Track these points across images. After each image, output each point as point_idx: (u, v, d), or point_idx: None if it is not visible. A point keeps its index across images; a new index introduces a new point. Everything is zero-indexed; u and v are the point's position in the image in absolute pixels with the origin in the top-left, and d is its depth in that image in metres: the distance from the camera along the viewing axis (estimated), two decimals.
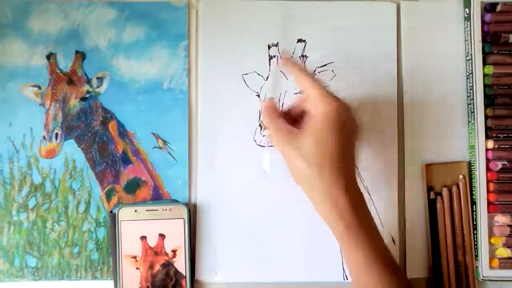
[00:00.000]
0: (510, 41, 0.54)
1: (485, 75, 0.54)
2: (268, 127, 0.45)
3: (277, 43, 0.56)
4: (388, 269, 0.41)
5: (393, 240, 0.54)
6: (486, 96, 0.54)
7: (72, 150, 0.54)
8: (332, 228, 0.42)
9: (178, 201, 0.54)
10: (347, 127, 0.42)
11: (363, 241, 0.41)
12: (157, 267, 0.52)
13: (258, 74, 0.55)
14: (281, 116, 0.46)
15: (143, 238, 0.52)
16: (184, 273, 0.52)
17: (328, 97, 0.42)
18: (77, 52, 0.55)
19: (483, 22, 0.54)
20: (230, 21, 0.56)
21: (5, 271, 0.53)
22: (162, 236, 0.53)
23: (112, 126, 0.55)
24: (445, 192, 0.54)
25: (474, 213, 0.53)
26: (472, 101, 0.54)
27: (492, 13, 0.54)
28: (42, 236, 0.54)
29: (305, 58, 0.55)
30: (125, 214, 0.52)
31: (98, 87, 0.55)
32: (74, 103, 0.55)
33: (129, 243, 0.52)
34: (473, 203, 0.54)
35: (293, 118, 0.47)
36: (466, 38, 0.55)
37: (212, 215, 0.54)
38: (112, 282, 0.53)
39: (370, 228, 0.42)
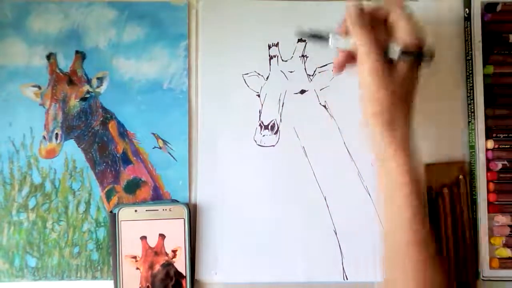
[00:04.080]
0: (510, 41, 0.54)
1: (485, 75, 0.54)
2: (363, 33, 0.42)
3: (277, 43, 0.56)
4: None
5: None
6: (486, 96, 0.54)
7: (72, 150, 0.54)
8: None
9: (178, 201, 0.54)
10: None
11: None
12: (157, 267, 0.52)
13: (258, 74, 0.55)
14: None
15: (143, 238, 0.52)
16: (184, 273, 0.52)
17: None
18: (77, 52, 0.55)
19: (483, 22, 0.54)
20: (230, 21, 0.56)
21: (5, 271, 0.53)
22: (162, 236, 0.53)
23: (112, 126, 0.55)
24: (446, 192, 0.54)
25: (474, 213, 0.53)
26: (472, 101, 0.54)
27: (492, 13, 0.54)
28: (42, 236, 0.54)
29: (305, 58, 0.55)
30: (125, 214, 0.52)
31: (98, 87, 0.55)
32: (74, 103, 0.55)
33: (129, 243, 0.52)
34: (473, 203, 0.54)
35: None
36: (466, 38, 0.55)
37: (212, 215, 0.54)
38: (112, 282, 0.53)
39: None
